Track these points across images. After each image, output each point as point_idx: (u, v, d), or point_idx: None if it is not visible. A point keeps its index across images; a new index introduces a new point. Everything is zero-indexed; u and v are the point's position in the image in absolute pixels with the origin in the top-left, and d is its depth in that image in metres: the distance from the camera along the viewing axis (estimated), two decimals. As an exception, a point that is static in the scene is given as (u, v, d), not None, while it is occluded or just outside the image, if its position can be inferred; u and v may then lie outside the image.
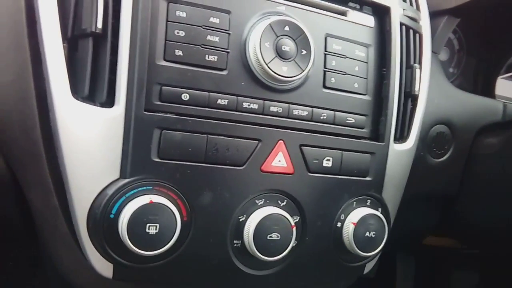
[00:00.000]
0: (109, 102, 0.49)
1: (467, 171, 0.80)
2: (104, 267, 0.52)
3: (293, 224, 0.55)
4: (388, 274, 1.26)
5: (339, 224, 0.60)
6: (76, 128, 0.49)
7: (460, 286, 1.26)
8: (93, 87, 0.49)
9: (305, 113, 0.58)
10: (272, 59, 0.54)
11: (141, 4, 0.49)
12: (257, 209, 0.55)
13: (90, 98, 0.49)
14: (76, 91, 0.49)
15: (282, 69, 0.54)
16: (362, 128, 0.62)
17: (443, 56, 0.90)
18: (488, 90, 0.92)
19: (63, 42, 0.49)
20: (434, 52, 0.77)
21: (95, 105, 0.49)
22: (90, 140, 0.49)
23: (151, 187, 0.49)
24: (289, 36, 0.55)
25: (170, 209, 0.49)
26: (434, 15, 0.76)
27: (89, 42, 0.49)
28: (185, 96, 0.51)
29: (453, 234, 0.98)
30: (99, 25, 0.48)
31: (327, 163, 0.59)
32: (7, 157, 0.54)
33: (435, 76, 0.75)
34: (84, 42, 0.49)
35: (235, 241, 0.55)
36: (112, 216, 0.48)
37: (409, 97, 0.67)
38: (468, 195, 0.82)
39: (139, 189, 0.49)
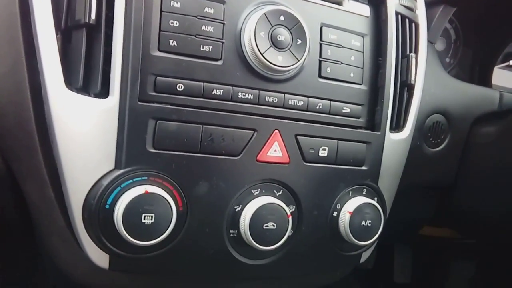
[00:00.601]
0: (104, 93, 0.49)
1: (464, 160, 0.80)
2: (100, 258, 0.52)
3: (289, 213, 0.55)
4: (386, 265, 1.27)
5: (335, 214, 0.60)
6: (70, 120, 0.48)
7: (457, 276, 1.26)
8: (87, 78, 0.49)
9: (301, 103, 0.58)
10: (267, 49, 0.53)
11: None
12: (253, 198, 0.55)
13: (84, 89, 0.49)
14: (70, 82, 0.49)
15: (277, 58, 0.54)
16: (358, 118, 0.62)
17: (439, 46, 0.90)
18: (485, 80, 0.92)
19: (57, 34, 0.49)
20: (430, 41, 0.77)
21: (89, 96, 0.49)
22: (84, 131, 0.49)
23: (146, 178, 0.50)
24: (284, 26, 0.55)
25: (165, 199, 0.49)
26: (430, 4, 0.76)
27: (82, 33, 0.49)
28: (180, 87, 0.51)
29: (450, 224, 0.98)
30: (93, 16, 0.48)
31: (323, 153, 0.59)
32: (2, 150, 0.54)
33: (431, 65, 0.75)
34: (77, 33, 0.49)
35: (231, 231, 0.55)
36: (107, 206, 0.48)
37: (405, 87, 0.67)
38: (464, 185, 0.82)
39: (134, 179, 0.49)
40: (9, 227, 0.76)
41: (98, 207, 0.48)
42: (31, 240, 0.69)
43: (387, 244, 1.23)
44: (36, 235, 0.61)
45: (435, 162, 0.77)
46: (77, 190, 0.50)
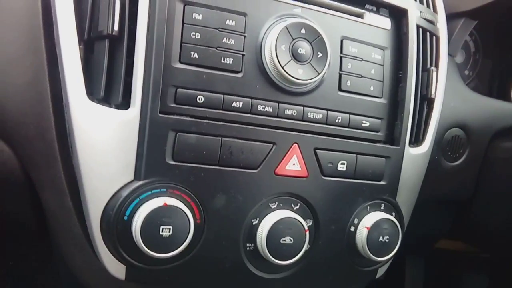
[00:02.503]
0: (125, 104, 0.49)
1: (482, 175, 0.79)
2: (116, 269, 0.52)
3: (306, 228, 0.55)
4: (397, 277, 1.26)
5: (352, 228, 0.60)
6: (91, 130, 0.49)
7: (470, 289, 1.24)
8: (108, 89, 0.49)
9: (320, 116, 0.57)
10: (288, 62, 0.53)
11: (158, 6, 0.49)
12: (270, 212, 0.55)
13: (106, 100, 0.49)
14: (91, 92, 0.49)
15: (297, 72, 0.54)
16: (377, 132, 0.61)
17: (458, 58, 0.89)
18: (503, 93, 0.91)
19: (79, 44, 0.49)
20: (450, 54, 0.76)
21: (110, 107, 0.49)
22: (105, 141, 0.49)
23: (165, 190, 0.49)
24: (305, 39, 0.54)
25: (184, 211, 0.48)
26: (451, 17, 0.75)
27: (105, 44, 0.49)
28: (200, 99, 0.51)
29: (465, 237, 0.97)
30: (116, 27, 0.48)
31: (341, 167, 0.58)
32: (22, 158, 0.54)
33: (451, 79, 0.74)
34: (100, 44, 0.49)
35: (247, 244, 0.55)
36: (126, 218, 0.48)
37: (425, 101, 0.66)
38: (482, 199, 0.81)
39: (153, 191, 0.49)
40: (23, 233, 0.77)
41: (116, 218, 0.48)
42: (44, 247, 0.70)
43: (400, 256, 1.21)
44: (53, 243, 0.62)
45: (453, 176, 0.76)
46: (95, 200, 0.50)
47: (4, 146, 0.54)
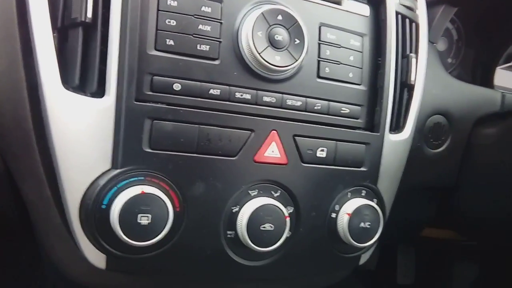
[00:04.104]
0: (100, 92, 0.49)
1: (465, 162, 0.80)
2: (97, 258, 0.52)
3: (286, 214, 0.55)
4: (389, 266, 1.27)
5: (333, 215, 0.60)
6: (66, 119, 0.48)
7: (460, 278, 1.25)
8: (83, 77, 0.49)
9: (299, 103, 0.57)
10: (265, 49, 0.53)
11: None
12: (250, 199, 0.55)
13: (81, 88, 0.49)
14: (66, 81, 0.49)
15: (275, 58, 0.54)
16: (357, 118, 0.62)
17: (441, 46, 0.89)
18: (487, 81, 0.91)
19: (53, 32, 0.49)
20: (431, 42, 0.76)
21: (85, 95, 0.49)
22: (81, 130, 0.49)
23: (143, 178, 0.49)
24: (282, 25, 0.54)
25: (162, 199, 0.48)
26: (431, 4, 0.75)
27: (79, 32, 0.48)
28: (177, 86, 0.51)
29: (451, 225, 0.97)
30: (89, 14, 0.48)
31: (321, 154, 0.58)
32: (0, 148, 0.54)
33: (432, 66, 0.74)
34: (74, 32, 0.49)
35: (228, 232, 0.55)
36: (104, 206, 0.48)
37: (405, 87, 0.66)
38: (465, 186, 0.82)
39: (130, 179, 0.49)
40: (9, 226, 0.76)
41: (94, 207, 0.48)
42: (31, 239, 0.69)
43: (390, 245, 1.22)
44: (35, 235, 0.61)
45: (436, 163, 0.76)
46: (73, 189, 0.49)
47: None
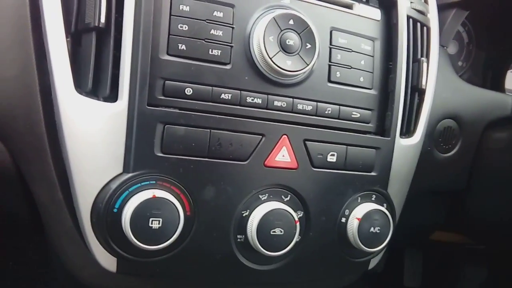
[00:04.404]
0: (113, 96, 0.49)
1: (475, 166, 0.79)
2: (108, 261, 0.52)
3: (296, 219, 0.55)
4: (396, 269, 1.26)
5: (343, 220, 0.60)
6: (79, 123, 0.49)
7: (468, 281, 1.25)
8: (96, 81, 0.49)
9: (310, 108, 0.57)
10: (276, 53, 0.53)
11: None
12: (261, 204, 0.55)
13: (94, 92, 0.50)
14: (79, 85, 0.49)
15: (286, 63, 0.54)
16: (368, 123, 0.61)
17: (452, 49, 0.89)
18: (498, 84, 0.91)
19: (67, 37, 0.49)
20: (442, 45, 0.76)
21: (98, 99, 0.49)
22: (93, 134, 0.49)
23: (154, 182, 0.50)
24: (294, 30, 0.54)
25: (173, 203, 0.49)
26: (442, 7, 0.75)
27: (92, 37, 0.49)
28: (189, 91, 0.51)
29: (460, 229, 0.97)
30: (102, 19, 0.48)
31: (331, 158, 0.58)
32: (13, 152, 0.55)
33: (443, 70, 0.74)
34: (87, 37, 0.49)
35: (238, 236, 0.55)
36: (115, 210, 0.48)
37: (416, 91, 0.66)
38: (475, 190, 0.81)
39: (142, 183, 0.49)
40: (20, 227, 0.77)
41: (106, 211, 0.48)
42: (42, 240, 0.70)
43: (398, 248, 1.21)
44: (46, 236, 0.62)
45: (446, 167, 0.76)
46: (85, 193, 0.50)
47: None
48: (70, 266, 0.58)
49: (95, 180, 0.50)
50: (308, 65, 0.55)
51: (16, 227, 0.68)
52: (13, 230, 0.74)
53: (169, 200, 0.49)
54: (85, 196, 0.50)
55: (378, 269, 1.26)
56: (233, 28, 0.53)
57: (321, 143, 0.58)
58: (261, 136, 0.54)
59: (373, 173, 0.61)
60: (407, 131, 0.66)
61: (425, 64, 0.65)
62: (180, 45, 0.51)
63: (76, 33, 0.50)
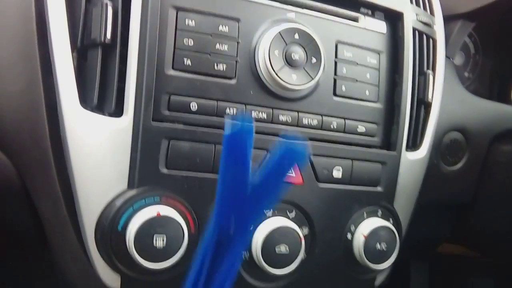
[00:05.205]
0: (118, 112, 0.49)
1: (482, 179, 0.78)
2: (111, 279, 0.51)
3: (302, 236, 0.54)
4: (401, 281, 1.24)
5: (349, 236, 0.59)
6: (84, 138, 0.48)
7: (475, 293, 1.23)
8: (102, 97, 0.49)
9: (315, 122, 0.57)
10: (281, 67, 0.53)
11: (150, 12, 0.49)
12: (265, 220, 0.54)
13: (99, 107, 0.49)
14: (85, 100, 0.49)
15: (291, 77, 0.53)
16: (373, 137, 0.61)
17: (458, 60, 0.88)
18: (504, 95, 0.90)
19: (73, 52, 0.49)
20: (448, 57, 0.75)
21: (103, 115, 0.49)
22: (98, 150, 0.49)
23: (158, 199, 0.49)
24: (299, 44, 0.54)
25: (177, 221, 0.48)
26: (448, 19, 0.75)
27: (98, 52, 0.49)
28: (194, 106, 0.51)
29: (466, 242, 0.95)
30: (108, 35, 0.48)
31: (337, 173, 0.58)
32: (18, 167, 0.54)
33: (449, 81, 0.73)
34: (93, 52, 0.49)
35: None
36: (119, 228, 0.48)
37: (422, 104, 0.65)
38: (483, 204, 0.80)
39: (146, 200, 0.49)
40: (25, 242, 0.76)
41: (110, 228, 0.48)
42: (47, 255, 0.69)
43: (403, 261, 1.20)
44: (50, 251, 0.61)
45: (453, 180, 0.75)
46: (90, 209, 0.49)
47: (0, 154, 0.54)
48: (73, 282, 0.57)
49: (99, 197, 0.49)
50: (313, 79, 0.54)
51: (20, 242, 0.67)
52: (17, 245, 0.74)
53: (173, 219, 0.48)
54: (90, 213, 0.49)
55: (384, 281, 1.25)
56: (238, 42, 0.53)
57: (327, 158, 0.57)
58: (266, 151, 0.54)
59: (379, 188, 0.61)
60: (413, 145, 0.65)
61: (431, 77, 0.65)
62: (185, 59, 0.50)
63: (82, 48, 0.49)
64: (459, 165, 0.75)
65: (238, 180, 0.29)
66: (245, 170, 0.29)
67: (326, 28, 0.58)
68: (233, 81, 0.52)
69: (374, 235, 0.57)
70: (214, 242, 0.30)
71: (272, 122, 0.55)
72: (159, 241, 0.47)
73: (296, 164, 0.55)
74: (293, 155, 0.28)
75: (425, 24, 0.66)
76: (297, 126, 0.56)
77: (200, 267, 0.30)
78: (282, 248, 0.53)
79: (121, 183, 0.49)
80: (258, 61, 0.53)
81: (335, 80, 0.58)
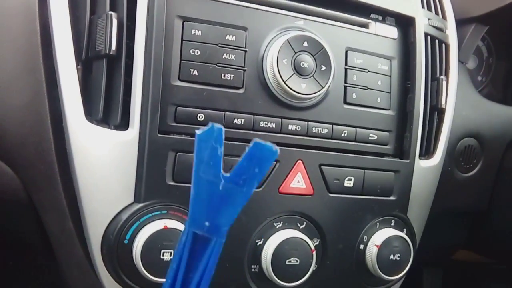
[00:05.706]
0: (124, 124, 0.48)
1: (497, 185, 0.76)
2: None
3: (313, 248, 0.53)
4: (414, 287, 1.22)
5: (361, 247, 0.57)
6: (90, 152, 0.48)
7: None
8: (107, 109, 0.48)
9: (325, 131, 0.55)
10: (290, 76, 0.52)
11: (155, 23, 0.48)
12: (275, 232, 0.53)
13: (104, 120, 0.49)
14: (90, 113, 0.48)
15: (300, 86, 0.52)
16: (386, 145, 0.59)
17: (471, 64, 0.86)
18: (518, 99, 0.88)
19: (77, 64, 0.48)
20: (462, 62, 0.73)
21: (109, 128, 0.48)
22: (104, 164, 0.48)
23: (165, 212, 0.48)
24: (308, 52, 0.53)
25: (185, 234, 0.47)
26: (461, 23, 0.73)
27: (103, 64, 0.48)
28: (201, 117, 0.50)
29: (482, 250, 0.93)
30: (113, 47, 0.47)
31: (348, 183, 0.56)
32: (24, 180, 0.54)
33: (462, 86, 0.71)
34: (98, 64, 0.48)
35: (252, 266, 0.53)
36: (126, 241, 0.47)
37: (435, 111, 0.64)
38: (498, 211, 0.78)
39: (153, 213, 0.48)
40: (32, 255, 0.76)
41: (116, 242, 0.47)
42: (54, 268, 0.69)
43: (416, 268, 1.18)
44: (57, 264, 0.61)
45: (467, 187, 0.73)
46: (96, 223, 0.49)
47: (6, 168, 0.54)
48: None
49: (105, 210, 0.48)
50: (323, 87, 0.53)
51: (27, 255, 0.67)
52: (24, 257, 0.74)
53: (180, 231, 0.47)
54: (96, 226, 0.48)
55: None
56: (246, 51, 0.52)
57: (338, 168, 0.56)
58: (275, 162, 0.53)
59: (392, 198, 0.59)
60: (427, 152, 0.64)
61: (444, 83, 0.63)
62: (192, 70, 0.49)
63: (86, 61, 0.49)
64: (474, 171, 0.73)
65: (210, 177, 0.30)
66: (216, 167, 0.30)
67: (336, 35, 0.57)
68: (241, 91, 0.51)
69: (387, 245, 0.56)
70: (190, 240, 0.30)
71: (281, 132, 0.53)
72: (167, 255, 0.46)
73: (307, 174, 0.54)
74: (262, 152, 0.29)
75: (437, 28, 0.64)
76: (307, 135, 0.55)
77: (178, 264, 0.30)
78: (293, 260, 0.51)
79: (128, 196, 0.48)
80: (266, 70, 0.52)
81: (345, 88, 0.56)
